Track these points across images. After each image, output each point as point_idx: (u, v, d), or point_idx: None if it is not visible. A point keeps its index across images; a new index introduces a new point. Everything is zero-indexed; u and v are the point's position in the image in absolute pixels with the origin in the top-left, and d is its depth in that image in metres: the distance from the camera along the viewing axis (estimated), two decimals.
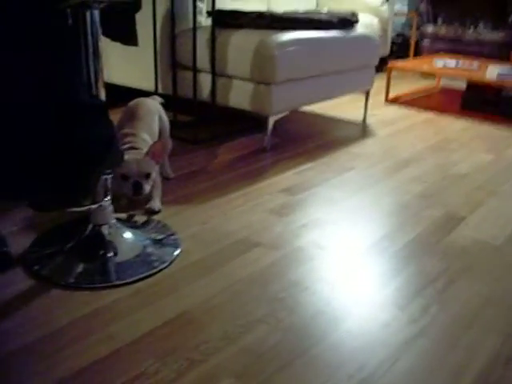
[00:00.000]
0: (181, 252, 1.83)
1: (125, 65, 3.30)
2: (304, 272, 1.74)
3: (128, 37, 3.21)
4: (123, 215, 2.03)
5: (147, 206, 2.11)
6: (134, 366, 1.30)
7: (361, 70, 3.43)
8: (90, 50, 1.57)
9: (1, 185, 1.41)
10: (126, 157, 1.95)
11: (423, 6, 5.82)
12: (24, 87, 1.37)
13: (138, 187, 2.00)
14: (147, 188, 2.03)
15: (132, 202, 2.15)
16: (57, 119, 1.41)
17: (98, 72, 1.61)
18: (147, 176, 2.01)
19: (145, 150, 2.05)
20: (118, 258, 1.75)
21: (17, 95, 1.36)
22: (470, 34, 5.53)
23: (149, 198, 2.13)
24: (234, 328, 1.46)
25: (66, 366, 1.30)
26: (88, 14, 1.53)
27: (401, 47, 6.15)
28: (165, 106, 2.52)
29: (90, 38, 1.56)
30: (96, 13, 1.55)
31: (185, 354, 1.35)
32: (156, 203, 2.13)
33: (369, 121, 3.64)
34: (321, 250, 1.88)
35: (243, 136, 3.16)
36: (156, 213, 2.11)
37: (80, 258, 1.75)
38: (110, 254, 1.75)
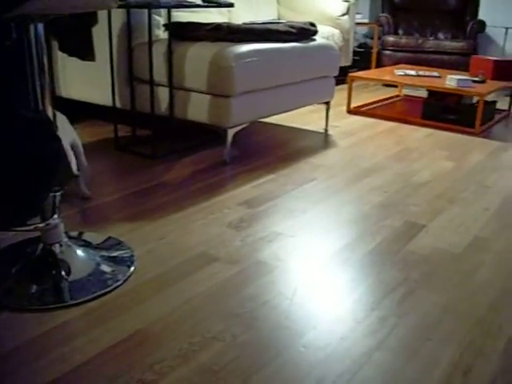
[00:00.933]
0: (136, 269, 1.79)
1: (83, 80, 3.25)
2: (262, 286, 1.71)
3: (85, 52, 3.18)
4: (74, 233, 1.99)
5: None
6: None
7: (321, 81, 3.43)
8: (35, 65, 1.53)
9: None
10: None
11: (383, 18, 5.87)
12: None
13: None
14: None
15: None
16: None
17: (44, 87, 1.56)
18: None
19: None
20: (71, 277, 1.70)
21: None
22: (430, 43, 5.59)
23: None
24: (189, 346, 1.42)
25: None
26: (32, 27, 1.49)
27: (363, 57, 6.20)
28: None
29: (34, 51, 1.51)
30: (40, 26, 1.51)
31: (138, 374, 1.31)
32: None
33: (330, 131, 3.64)
34: (279, 263, 1.86)
35: (203, 149, 3.12)
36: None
37: (32, 278, 1.69)
38: (63, 274, 1.70)
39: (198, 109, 2.85)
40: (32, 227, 1.64)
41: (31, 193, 1.46)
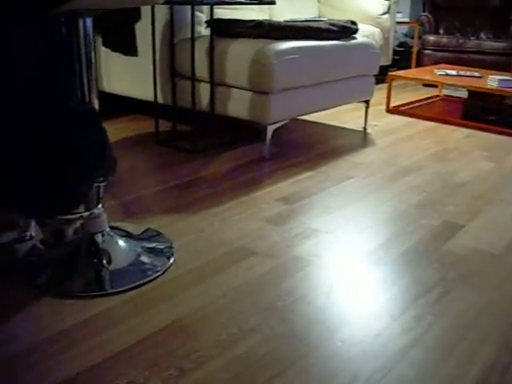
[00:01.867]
0: (175, 261, 1.82)
1: (125, 75, 3.30)
2: (298, 281, 1.73)
3: (128, 47, 3.23)
4: (116, 223, 2.03)
5: None
6: (123, 375, 1.29)
7: (360, 79, 3.42)
8: (83, 58, 1.57)
9: None
10: None
11: (424, 17, 5.82)
12: (16, 94, 1.37)
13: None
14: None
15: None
16: (48, 125, 1.40)
17: (91, 80, 1.60)
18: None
19: None
20: (112, 266, 1.74)
21: (8, 101, 1.36)
22: (471, 43, 5.53)
23: None
24: (226, 336, 1.44)
25: (54, 374, 1.28)
26: (81, 22, 1.53)
27: (403, 57, 6.16)
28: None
29: (82, 46, 1.56)
30: (89, 21, 1.55)
31: (175, 362, 1.34)
32: None
33: (369, 130, 3.63)
34: (316, 259, 1.87)
35: (242, 145, 3.15)
36: None
37: (74, 266, 1.74)
38: (104, 262, 1.74)
39: (238, 105, 2.88)
40: (77, 216, 1.68)
41: (77, 182, 1.50)
